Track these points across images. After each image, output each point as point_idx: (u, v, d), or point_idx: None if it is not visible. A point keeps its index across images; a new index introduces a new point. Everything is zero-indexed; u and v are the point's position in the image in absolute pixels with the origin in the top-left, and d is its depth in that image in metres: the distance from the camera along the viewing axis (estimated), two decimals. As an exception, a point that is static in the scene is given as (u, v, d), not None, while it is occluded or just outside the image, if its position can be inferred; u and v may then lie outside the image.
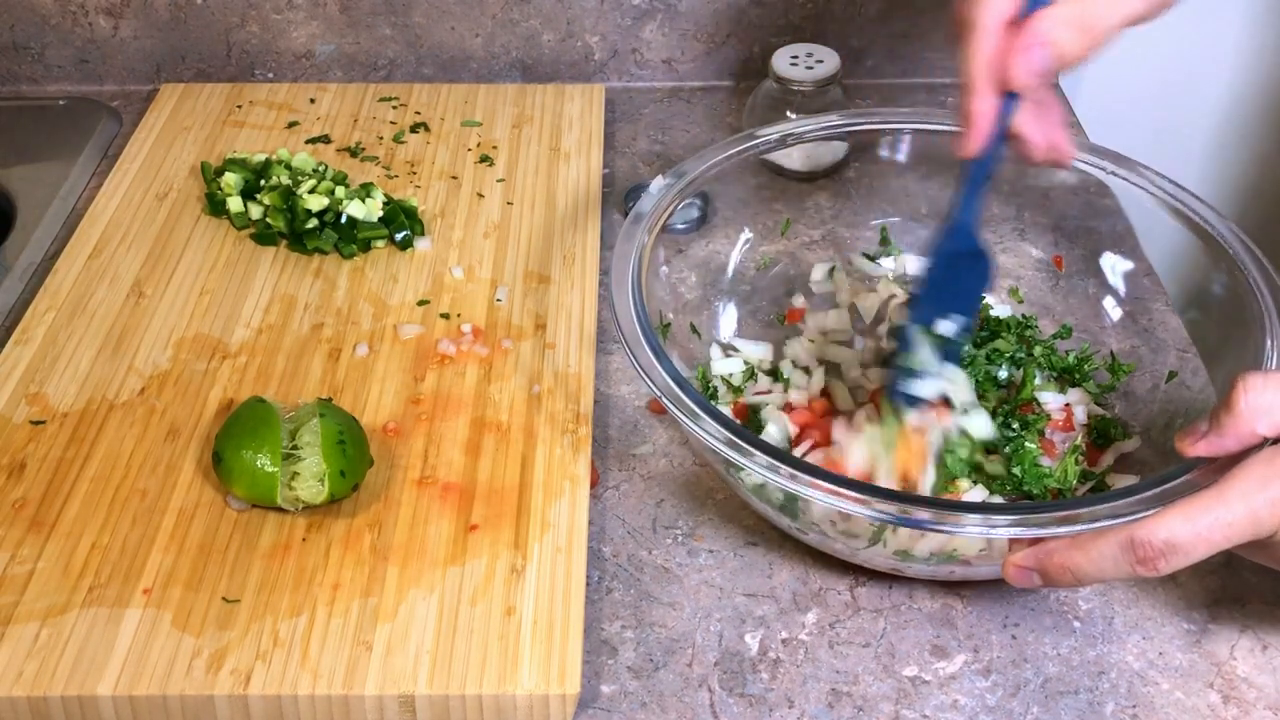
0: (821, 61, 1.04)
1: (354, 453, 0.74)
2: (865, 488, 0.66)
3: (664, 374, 0.70)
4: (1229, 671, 0.70)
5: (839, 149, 1.00)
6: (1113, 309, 0.87)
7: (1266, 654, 0.71)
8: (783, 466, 0.65)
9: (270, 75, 1.17)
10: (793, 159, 1.00)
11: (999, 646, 0.71)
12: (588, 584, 0.74)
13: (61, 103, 1.15)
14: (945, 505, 0.66)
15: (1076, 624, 0.73)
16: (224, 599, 0.70)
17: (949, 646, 0.71)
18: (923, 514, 0.64)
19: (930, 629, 0.72)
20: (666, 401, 0.69)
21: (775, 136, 0.87)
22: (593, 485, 0.79)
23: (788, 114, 1.04)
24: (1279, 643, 0.71)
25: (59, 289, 0.92)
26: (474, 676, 0.67)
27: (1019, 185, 0.90)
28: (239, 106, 1.11)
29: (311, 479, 0.73)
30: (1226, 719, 0.68)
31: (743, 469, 0.66)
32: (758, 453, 0.66)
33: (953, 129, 0.86)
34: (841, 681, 0.70)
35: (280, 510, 0.75)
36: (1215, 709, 0.68)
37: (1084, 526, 0.63)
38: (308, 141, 1.07)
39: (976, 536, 0.66)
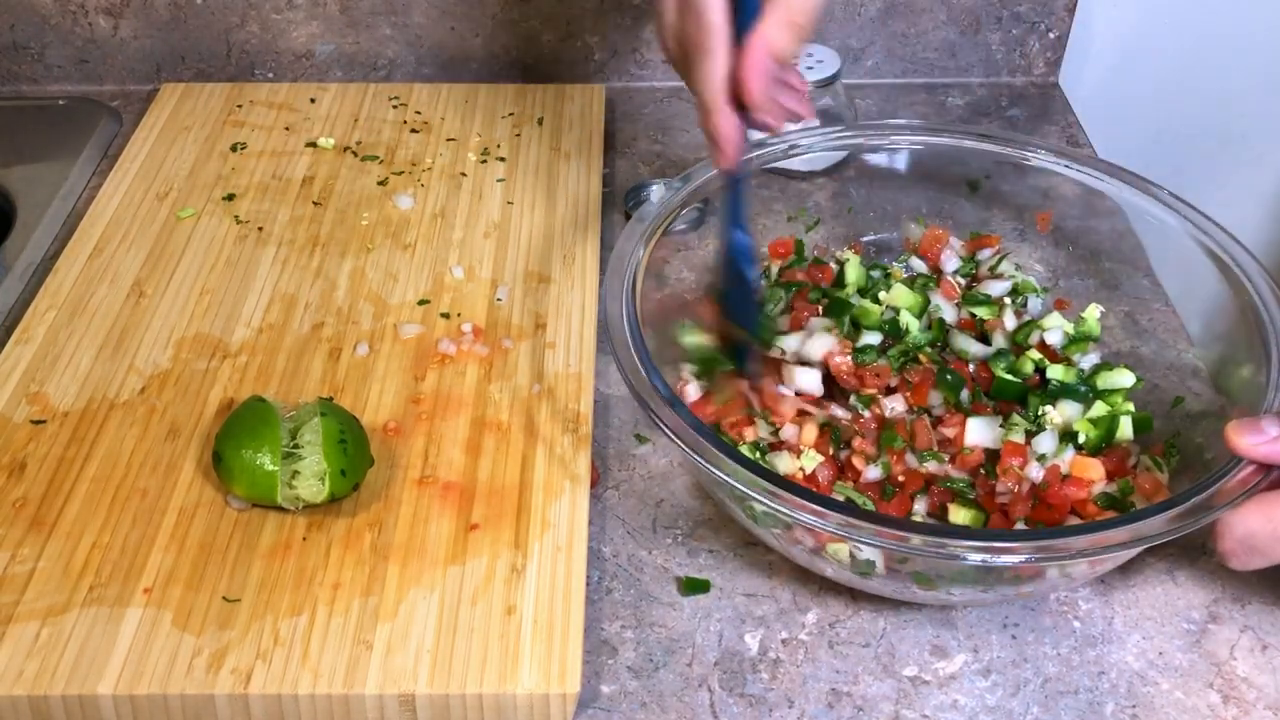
0: (821, 61, 1.04)
1: (355, 452, 0.74)
2: (832, 504, 0.66)
3: (653, 384, 0.71)
4: (1229, 671, 0.70)
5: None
6: (1111, 311, 0.87)
7: (1266, 654, 0.71)
8: (775, 489, 0.66)
9: (270, 75, 1.17)
10: (792, 160, 0.99)
11: (999, 646, 0.71)
12: (588, 584, 0.74)
13: (61, 103, 1.15)
14: (929, 530, 0.66)
15: (1076, 624, 0.73)
16: (224, 598, 0.70)
17: (949, 646, 0.71)
18: (909, 538, 0.64)
19: (930, 629, 0.72)
20: (654, 416, 0.69)
21: (782, 147, 0.88)
22: (593, 485, 0.79)
23: (788, 114, 1.04)
24: (1279, 643, 0.72)
25: (59, 289, 0.92)
26: (474, 676, 0.67)
27: (1019, 186, 0.90)
28: (239, 106, 1.11)
29: (312, 478, 0.73)
30: (1226, 719, 0.68)
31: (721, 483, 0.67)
32: (735, 464, 0.66)
33: (953, 141, 0.89)
34: (841, 681, 0.70)
35: (280, 510, 0.75)
36: (1215, 709, 0.68)
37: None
38: (308, 144, 1.07)
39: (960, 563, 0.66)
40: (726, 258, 0.76)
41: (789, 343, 0.83)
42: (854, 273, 0.87)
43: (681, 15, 0.70)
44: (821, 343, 0.81)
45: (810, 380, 0.80)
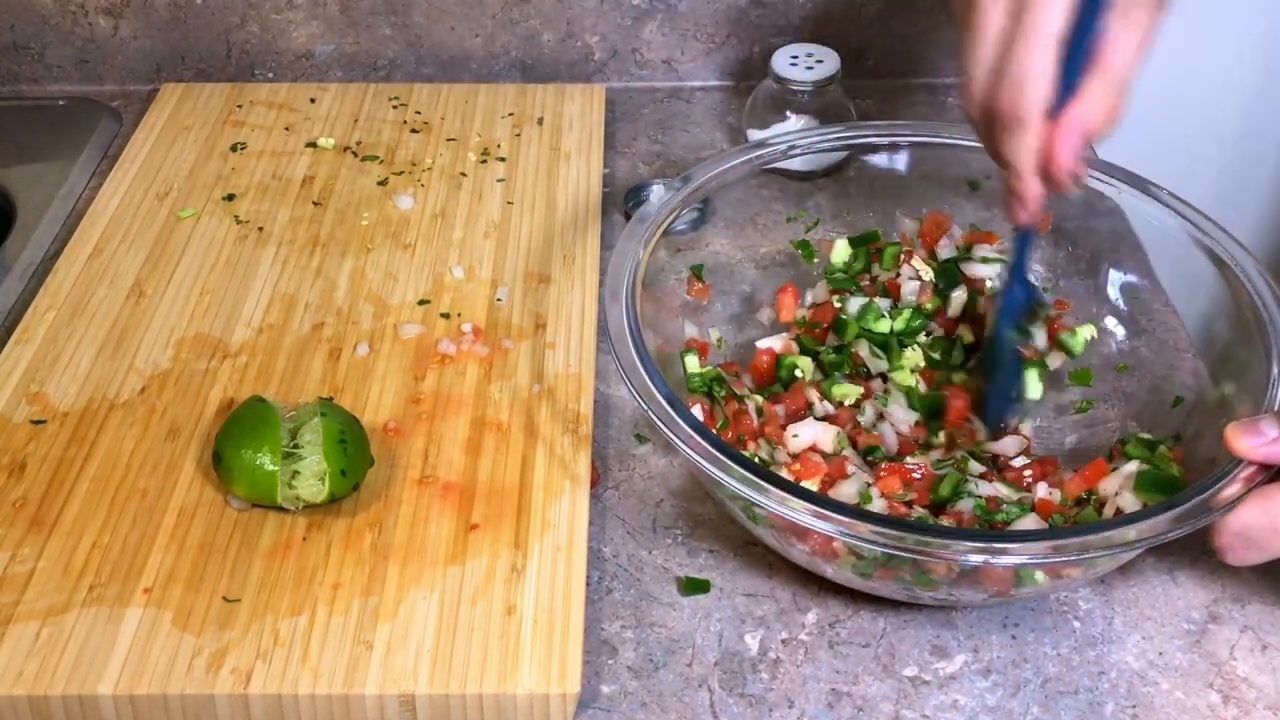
0: (821, 61, 1.04)
1: (355, 452, 0.74)
2: (859, 512, 0.66)
3: (656, 391, 0.70)
4: (1229, 671, 0.70)
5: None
6: (1113, 310, 0.87)
7: (1266, 654, 0.71)
8: (770, 487, 0.66)
9: (270, 75, 1.17)
10: (792, 160, 0.99)
11: (999, 646, 0.71)
12: (588, 584, 0.74)
13: (61, 103, 1.15)
14: (934, 531, 0.67)
15: (1076, 624, 0.73)
16: (224, 598, 0.71)
17: (949, 646, 0.71)
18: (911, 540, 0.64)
19: (930, 629, 0.72)
20: (654, 418, 0.69)
21: (782, 146, 0.88)
22: (593, 485, 0.79)
23: (787, 114, 1.04)
24: (1279, 643, 0.72)
25: (59, 289, 0.92)
26: (474, 676, 0.67)
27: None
28: (239, 106, 1.11)
29: (312, 478, 0.73)
30: (1226, 719, 0.68)
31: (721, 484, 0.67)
32: (738, 468, 0.66)
33: (953, 141, 0.89)
34: (841, 681, 0.70)
35: (280, 509, 0.75)
36: (1215, 709, 0.68)
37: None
38: (308, 144, 1.07)
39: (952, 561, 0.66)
40: (1005, 317, 0.81)
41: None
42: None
43: (996, 82, 0.68)
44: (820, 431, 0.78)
45: (819, 434, 0.78)
